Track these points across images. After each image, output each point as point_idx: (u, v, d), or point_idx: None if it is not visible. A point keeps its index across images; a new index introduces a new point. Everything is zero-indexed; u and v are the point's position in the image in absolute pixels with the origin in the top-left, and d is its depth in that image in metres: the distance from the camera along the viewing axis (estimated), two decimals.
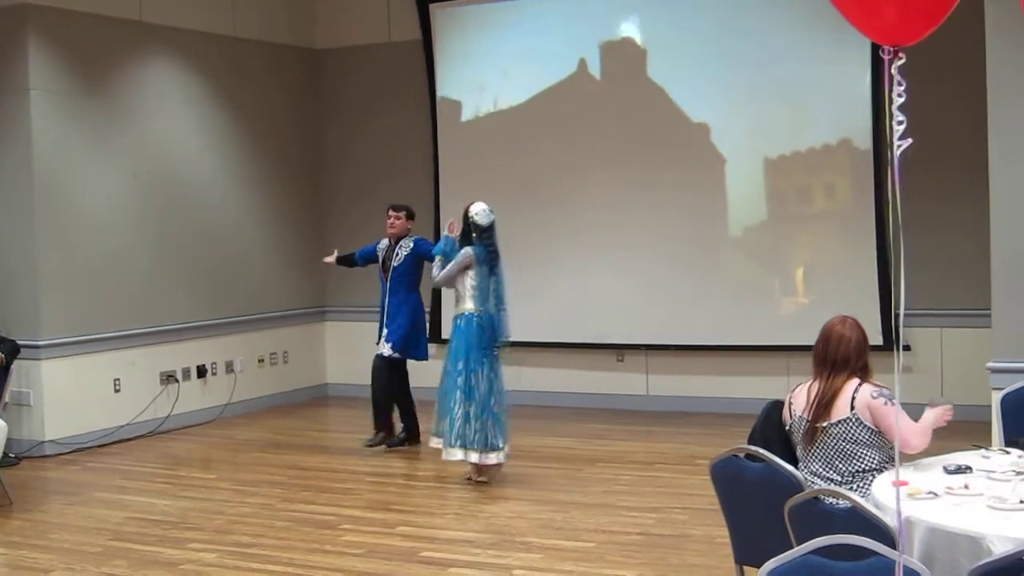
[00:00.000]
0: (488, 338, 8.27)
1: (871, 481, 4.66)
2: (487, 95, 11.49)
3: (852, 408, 4.82)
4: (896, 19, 3.24)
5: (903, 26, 3.25)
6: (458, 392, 8.20)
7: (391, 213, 9.67)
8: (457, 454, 8.22)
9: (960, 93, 9.22)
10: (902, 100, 3.23)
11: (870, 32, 3.33)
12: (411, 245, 9.56)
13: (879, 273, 9.92)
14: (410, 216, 9.72)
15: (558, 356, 11.35)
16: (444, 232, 8.71)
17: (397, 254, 9.57)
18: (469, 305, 8.29)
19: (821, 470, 4.84)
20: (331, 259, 10.05)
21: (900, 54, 3.27)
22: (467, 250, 8.26)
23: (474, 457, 8.21)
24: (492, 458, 8.24)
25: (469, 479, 8.37)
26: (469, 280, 8.28)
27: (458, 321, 8.33)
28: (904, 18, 3.24)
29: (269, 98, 11.82)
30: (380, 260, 9.71)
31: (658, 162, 10.80)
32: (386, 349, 9.56)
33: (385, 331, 9.60)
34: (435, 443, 8.41)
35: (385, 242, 9.72)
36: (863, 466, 4.79)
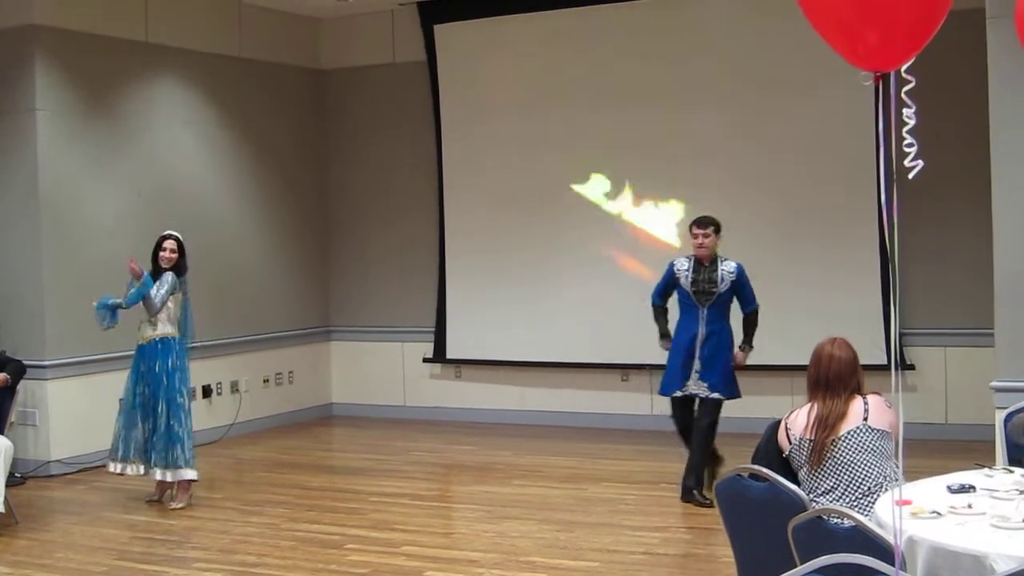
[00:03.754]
0: (184, 361, 8.50)
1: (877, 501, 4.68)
2: (491, 113, 11.53)
3: (865, 418, 4.86)
4: (877, 43, 3.26)
5: (884, 51, 3.27)
6: (165, 415, 8.33)
7: (696, 231, 8.32)
8: (172, 474, 8.36)
9: (961, 112, 9.23)
10: (912, 123, 3.25)
11: (851, 57, 3.35)
12: (734, 270, 8.32)
13: (883, 293, 9.94)
14: (718, 230, 8.37)
15: (562, 376, 11.36)
16: (134, 269, 8.35)
17: (721, 278, 8.27)
18: (169, 329, 8.41)
19: (831, 487, 4.84)
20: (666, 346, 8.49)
21: (909, 77, 3.29)
22: (171, 276, 8.38)
23: (170, 475, 8.36)
24: (190, 474, 8.40)
25: (156, 500, 8.51)
26: (170, 305, 8.41)
27: (157, 344, 8.40)
28: (885, 42, 3.25)
29: (274, 118, 11.86)
30: (690, 284, 8.29)
31: (663, 182, 10.84)
32: (701, 389, 8.26)
33: (698, 364, 8.25)
34: (117, 468, 8.47)
35: (685, 263, 8.38)
36: (872, 482, 4.80)
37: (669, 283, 8.47)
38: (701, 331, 8.28)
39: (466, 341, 11.72)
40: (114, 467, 8.49)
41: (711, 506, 7.77)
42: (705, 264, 8.30)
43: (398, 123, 12.05)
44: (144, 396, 8.39)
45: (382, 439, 11.07)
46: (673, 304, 8.55)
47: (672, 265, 8.47)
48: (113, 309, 8.46)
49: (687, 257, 8.43)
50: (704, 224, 8.31)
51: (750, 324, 8.40)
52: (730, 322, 8.40)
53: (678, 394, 8.33)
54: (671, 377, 8.39)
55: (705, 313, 8.28)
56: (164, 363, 8.38)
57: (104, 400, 9.87)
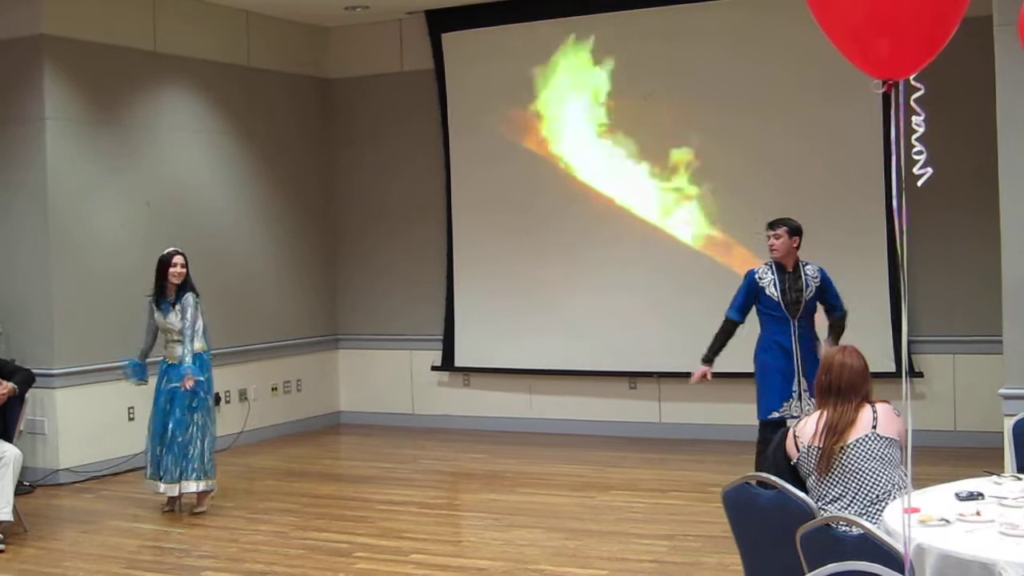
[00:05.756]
0: (207, 372, 8.55)
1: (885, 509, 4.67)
2: (499, 122, 11.54)
3: (874, 426, 4.86)
4: (889, 52, 3.27)
5: (896, 59, 3.27)
6: (194, 428, 8.38)
7: (767, 232, 7.79)
8: (198, 486, 8.39)
9: (970, 119, 9.22)
10: (922, 131, 3.26)
11: (864, 65, 3.35)
12: (818, 274, 7.77)
13: (891, 300, 9.93)
14: (794, 231, 7.72)
15: (570, 384, 11.36)
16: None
17: (807, 284, 7.71)
18: (200, 344, 8.43)
19: (839, 495, 4.84)
20: (703, 371, 7.99)
21: (918, 85, 3.30)
22: (191, 298, 8.39)
23: (203, 486, 8.42)
24: (200, 486, 8.45)
25: (170, 510, 8.51)
26: (200, 322, 8.43)
27: (203, 355, 8.45)
28: (897, 51, 3.26)
29: (282, 127, 11.88)
30: (779, 295, 7.68)
31: (671, 190, 10.83)
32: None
33: (805, 383, 7.58)
34: (165, 488, 8.44)
35: (767, 271, 7.77)
36: (881, 490, 4.79)
37: (750, 295, 7.77)
38: (797, 348, 7.65)
39: (474, 349, 11.72)
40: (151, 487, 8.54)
41: None
42: (789, 270, 7.71)
43: (406, 131, 12.06)
44: (165, 411, 8.40)
45: (390, 447, 11.08)
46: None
47: (752, 274, 7.82)
48: (143, 368, 8.57)
49: (767, 264, 7.83)
50: (775, 225, 7.76)
51: (838, 329, 7.81)
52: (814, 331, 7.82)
53: (776, 415, 7.67)
54: (770, 398, 7.76)
55: (797, 326, 7.67)
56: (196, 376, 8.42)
57: (113, 409, 9.91)
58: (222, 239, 11.06)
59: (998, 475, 4.91)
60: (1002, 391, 7.05)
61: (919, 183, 3.32)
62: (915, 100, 3.30)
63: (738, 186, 10.58)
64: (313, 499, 8.92)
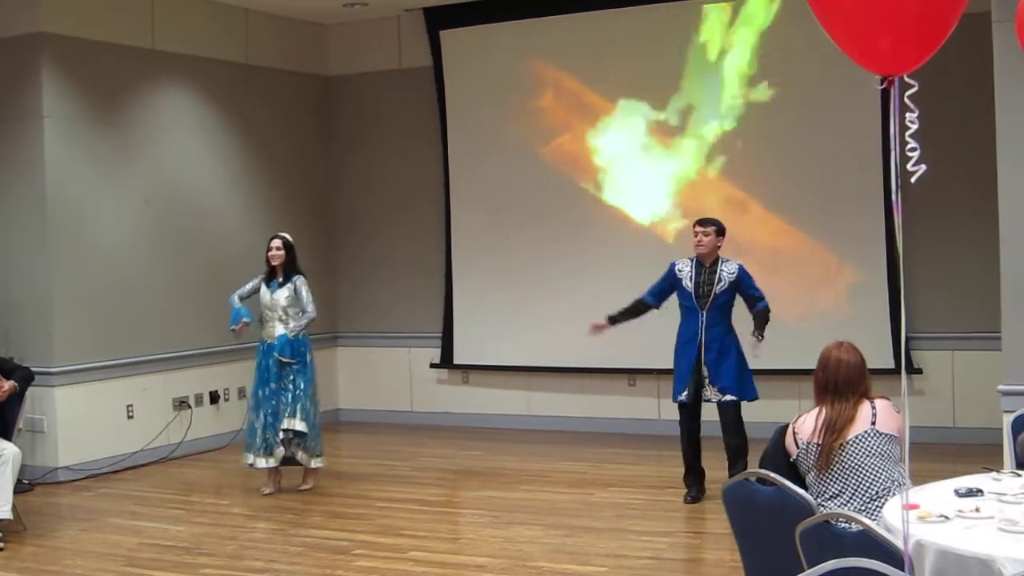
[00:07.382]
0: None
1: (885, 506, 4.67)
2: (497, 118, 11.53)
3: (873, 423, 4.85)
4: (889, 49, 3.27)
5: (896, 56, 3.28)
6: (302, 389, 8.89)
7: (697, 229, 8.28)
8: (302, 425, 8.88)
9: (969, 118, 9.22)
10: (915, 127, 3.26)
11: (864, 62, 3.36)
12: (735, 270, 8.24)
13: (890, 296, 9.93)
14: (720, 232, 8.29)
15: (569, 381, 11.35)
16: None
17: (720, 279, 8.19)
18: (305, 321, 8.86)
19: (839, 491, 4.83)
20: (601, 324, 8.75)
21: (912, 82, 3.30)
22: (299, 279, 8.83)
23: (304, 426, 8.92)
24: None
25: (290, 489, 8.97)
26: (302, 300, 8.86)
27: (304, 337, 8.89)
28: (898, 48, 3.26)
29: (281, 124, 11.87)
30: (692, 287, 8.24)
31: (669, 185, 10.83)
32: (714, 394, 8.23)
33: (706, 371, 8.20)
34: (317, 463, 9.06)
35: (687, 265, 8.34)
36: (880, 487, 4.79)
37: (668, 284, 8.39)
38: (703, 335, 8.20)
39: (473, 346, 11.72)
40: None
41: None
42: (706, 265, 8.24)
43: (404, 128, 12.05)
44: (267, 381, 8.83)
45: (389, 444, 11.08)
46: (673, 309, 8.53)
47: (673, 266, 8.40)
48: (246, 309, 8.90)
49: (689, 259, 8.37)
50: (705, 223, 8.29)
51: (761, 320, 8.17)
52: (733, 325, 8.31)
53: (683, 398, 8.27)
54: (677, 382, 8.36)
55: (705, 317, 8.20)
56: (310, 358, 8.95)
57: (112, 407, 9.91)
58: (221, 236, 11.05)
59: (997, 471, 4.91)
60: (1001, 387, 7.06)
61: (913, 179, 3.33)
62: (909, 96, 3.30)
63: (734, 185, 10.56)
64: (312, 496, 8.91)
